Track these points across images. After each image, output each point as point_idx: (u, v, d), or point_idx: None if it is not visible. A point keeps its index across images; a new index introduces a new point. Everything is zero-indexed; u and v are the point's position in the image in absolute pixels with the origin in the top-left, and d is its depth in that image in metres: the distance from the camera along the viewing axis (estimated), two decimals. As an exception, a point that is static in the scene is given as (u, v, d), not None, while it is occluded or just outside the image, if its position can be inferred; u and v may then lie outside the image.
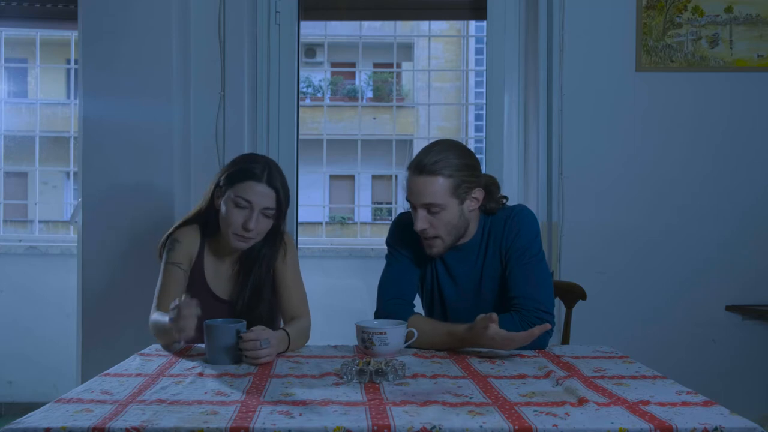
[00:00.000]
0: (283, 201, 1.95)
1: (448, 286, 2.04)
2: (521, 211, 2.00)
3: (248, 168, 1.92)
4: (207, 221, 2.02)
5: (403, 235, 2.09)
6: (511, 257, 1.95)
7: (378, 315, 1.99)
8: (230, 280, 2.04)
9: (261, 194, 1.90)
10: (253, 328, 1.69)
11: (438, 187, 1.87)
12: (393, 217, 2.22)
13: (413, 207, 1.92)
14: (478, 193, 1.94)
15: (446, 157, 1.89)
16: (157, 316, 1.88)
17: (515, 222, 1.96)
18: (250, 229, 1.89)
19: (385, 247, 2.16)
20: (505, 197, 2.06)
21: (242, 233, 1.90)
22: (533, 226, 1.98)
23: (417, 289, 2.09)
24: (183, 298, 1.67)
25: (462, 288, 2.02)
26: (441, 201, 1.88)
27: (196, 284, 2.01)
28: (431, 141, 2.01)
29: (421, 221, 1.90)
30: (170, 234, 2.03)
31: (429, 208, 1.89)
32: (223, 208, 1.94)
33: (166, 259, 1.99)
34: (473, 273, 2.01)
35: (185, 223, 2.05)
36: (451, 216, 1.90)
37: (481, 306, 1.99)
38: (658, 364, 1.82)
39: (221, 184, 1.96)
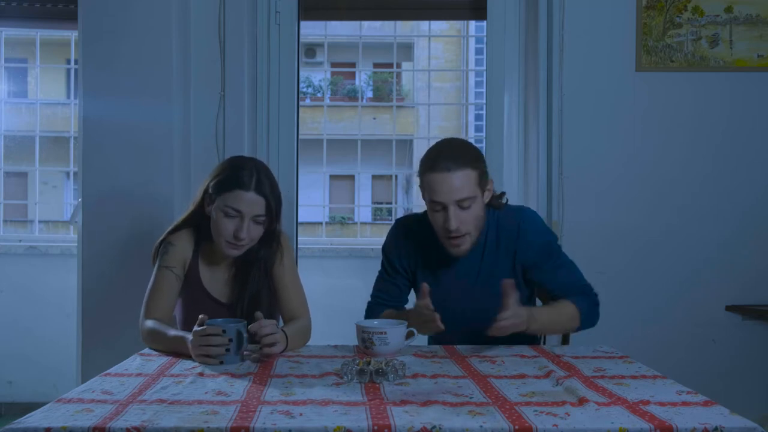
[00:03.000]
0: (274, 206, 1.93)
1: (452, 283, 2.04)
2: (531, 212, 2.06)
3: (236, 175, 1.90)
4: (200, 225, 2.01)
5: (401, 242, 2.11)
6: (540, 258, 1.99)
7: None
8: (227, 284, 2.03)
9: (250, 202, 1.88)
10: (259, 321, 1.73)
11: (469, 179, 1.88)
12: (393, 218, 2.23)
13: (441, 207, 1.89)
14: (491, 184, 1.98)
15: (467, 150, 1.92)
16: (153, 325, 1.87)
17: (532, 224, 2.01)
18: (242, 238, 1.88)
19: None
20: (503, 193, 2.10)
21: (234, 242, 1.90)
22: (542, 222, 2.06)
23: (406, 296, 2.15)
24: (206, 322, 1.71)
25: (466, 284, 2.03)
26: (473, 193, 1.89)
27: (193, 288, 2.01)
28: (436, 141, 2.02)
29: (454, 219, 1.88)
30: (163, 239, 2.02)
31: (461, 203, 1.88)
32: (213, 216, 1.92)
33: (159, 263, 1.97)
34: (481, 269, 2.02)
35: (178, 227, 2.03)
36: (479, 208, 1.92)
37: (487, 302, 1.99)
38: (658, 364, 1.81)
39: (210, 191, 1.94)
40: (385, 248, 2.15)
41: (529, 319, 1.85)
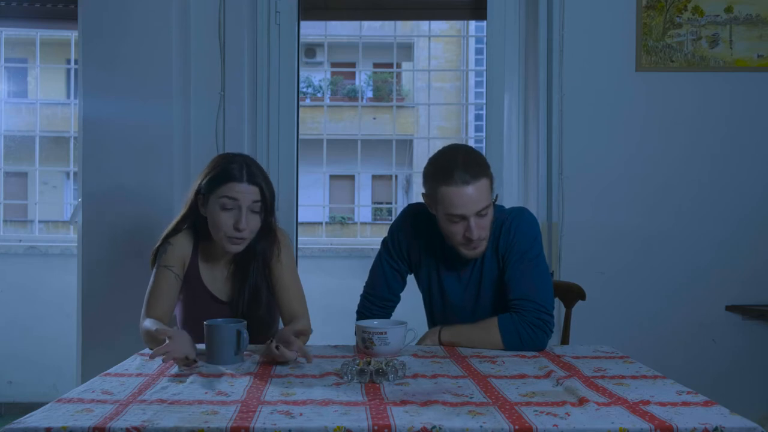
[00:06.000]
0: (268, 194, 1.93)
1: (452, 287, 2.04)
2: (520, 214, 2.00)
3: (226, 169, 1.90)
4: (196, 225, 2.01)
5: (409, 228, 2.08)
6: (509, 260, 1.95)
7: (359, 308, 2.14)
8: (227, 282, 2.03)
9: (245, 192, 1.89)
10: (280, 337, 1.69)
11: (486, 188, 1.87)
12: (393, 218, 2.20)
13: (460, 219, 1.86)
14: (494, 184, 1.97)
15: (478, 159, 1.90)
16: (148, 324, 1.87)
17: (513, 225, 1.96)
18: (242, 228, 1.88)
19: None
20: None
21: (235, 234, 1.89)
22: (531, 228, 1.97)
23: (401, 288, 2.13)
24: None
25: (464, 289, 2.03)
26: (489, 201, 1.88)
27: (194, 287, 2.01)
28: (435, 141, 2.00)
29: (477, 229, 1.86)
30: (162, 242, 2.02)
31: (480, 212, 1.86)
32: (210, 215, 1.92)
33: (158, 263, 1.97)
34: (474, 274, 2.02)
35: (175, 230, 2.03)
36: (491, 213, 1.91)
37: (480, 308, 2.00)
38: (658, 364, 1.82)
39: (202, 191, 1.93)
40: (393, 229, 2.12)
41: (441, 330, 1.93)
